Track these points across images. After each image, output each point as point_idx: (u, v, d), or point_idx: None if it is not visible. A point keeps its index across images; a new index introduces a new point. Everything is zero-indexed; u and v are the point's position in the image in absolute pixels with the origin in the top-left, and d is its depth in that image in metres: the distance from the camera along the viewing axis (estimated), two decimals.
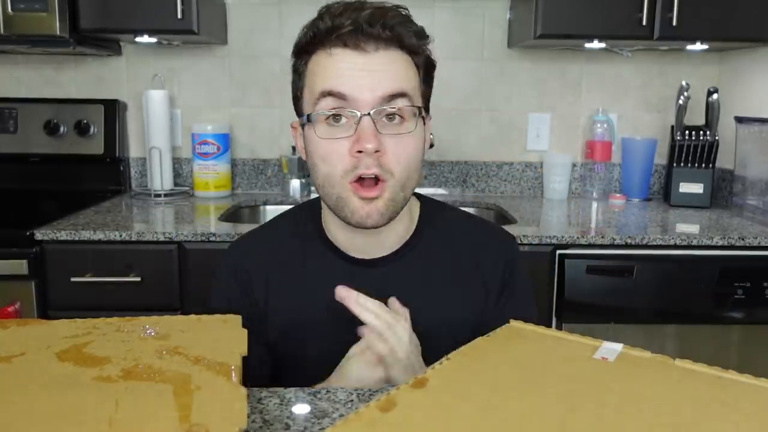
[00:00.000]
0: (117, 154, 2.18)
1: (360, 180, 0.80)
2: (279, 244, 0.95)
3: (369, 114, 0.78)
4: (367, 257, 0.90)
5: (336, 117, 0.80)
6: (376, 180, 0.80)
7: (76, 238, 1.61)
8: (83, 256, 1.62)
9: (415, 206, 0.94)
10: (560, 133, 2.30)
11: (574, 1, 1.86)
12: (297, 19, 2.20)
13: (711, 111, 2.04)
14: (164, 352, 0.59)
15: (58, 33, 1.79)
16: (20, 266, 1.60)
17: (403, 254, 0.90)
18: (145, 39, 2.00)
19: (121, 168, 2.21)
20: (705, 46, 2.07)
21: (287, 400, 0.66)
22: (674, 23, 1.83)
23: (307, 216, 0.96)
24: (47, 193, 2.15)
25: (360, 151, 0.78)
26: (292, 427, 0.61)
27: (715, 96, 2.03)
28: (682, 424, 0.53)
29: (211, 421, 0.47)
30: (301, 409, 0.65)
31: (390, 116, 0.80)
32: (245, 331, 0.64)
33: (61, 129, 2.13)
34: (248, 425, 0.55)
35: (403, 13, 0.82)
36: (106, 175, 2.19)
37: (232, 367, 0.56)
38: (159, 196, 2.10)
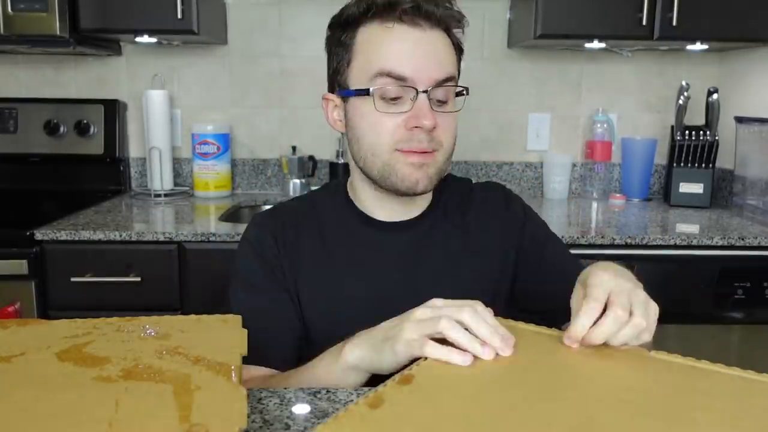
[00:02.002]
0: (117, 154, 2.18)
1: (408, 151, 0.84)
2: (306, 213, 0.96)
3: (426, 92, 0.82)
4: (394, 221, 0.94)
5: (393, 98, 0.83)
6: (427, 151, 0.85)
7: (76, 238, 1.61)
8: (83, 256, 1.62)
9: None
10: (560, 133, 2.30)
11: (574, 1, 1.86)
12: (297, 19, 2.20)
13: (711, 111, 2.04)
14: (164, 352, 0.59)
15: (58, 33, 1.79)
16: (20, 266, 1.60)
17: (426, 216, 0.95)
18: (145, 39, 2.00)
19: (121, 168, 2.21)
20: (705, 46, 2.07)
21: (287, 400, 0.66)
22: (674, 23, 1.83)
23: (332, 189, 1.00)
24: (47, 193, 2.15)
25: (416, 127, 0.83)
26: (292, 427, 0.61)
27: (715, 96, 2.03)
28: (662, 412, 0.54)
29: (211, 421, 0.47)
30: (301, 409, 0.65)
31: (439, 100, 0.85)
32: (245, 331, 0.64)
33: (61, 129, 2.13)
34: (248, 425, 0.55)
35: (458, 9, 0.87)
36: (106, 175, 2.19)
37: (232, 367, 0.56)
38: (159, 196, 2.10)
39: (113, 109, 2.17)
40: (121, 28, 1.89)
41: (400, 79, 0.82)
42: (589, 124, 2.28)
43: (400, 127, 0.83)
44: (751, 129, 1.98)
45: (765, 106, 2.00)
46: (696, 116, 2.10)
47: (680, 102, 2.04)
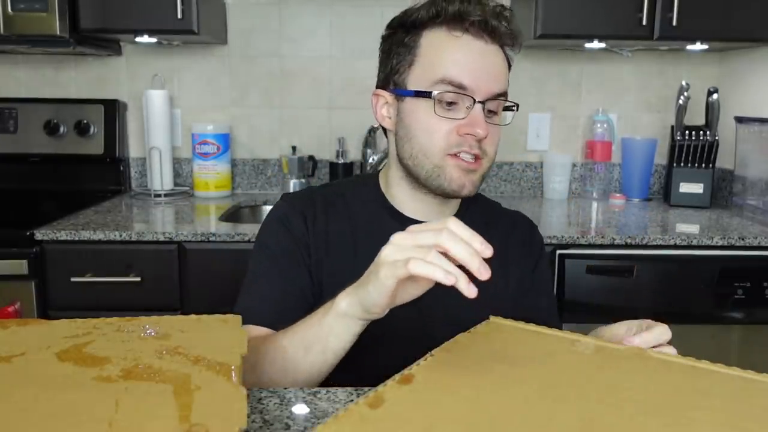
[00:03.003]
0: (117, 154, 2.18)
1: (458, 156, 0.87)
2: (335, 201, 0.97)
3: (483, 102, 0.87)
4: (423, 220, 0.94)
5: (449, 103, 0.87)
6: (475, 158, 0.88)
7: (76, 238, 1.61)
8: (83, 256, 1.62)
9: None
10: (560, 133, 2.30)
11: (574, 1, 1.86)
12: (297, 19, 2.20)
13: (711, 111, 2.04)
14: (164, 352, 0.59)
15: (58, 33, 1.79)
16: (20, 266, 1.60)
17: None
18: (145, 39, 2.00)
19: (121, 168, 2.21)
20: (705, 46, 2.07)
21: (287, 400, 0.66)
22: (674, 23, 1.83)
23: (362, 181, 1.02)
24: (47, 193, 2.15)
25: (469, 134, 0.86)
26: (292, 427, 0.61)
27: (715, 96, 2.03)
28: (661, 411, 0.55)
29: (211, 421, 0.47)
30: (301, 409, 0.65)
31: (490, 110, 0.89)
32: (245, 331, 0.64)
33: (61, 129, 2.13)
34: (248, 425, 0.55)
35: (513, 17, 0.93)
36: (106, 175, 2.19)
37: (232, 367, 0.56)
38: (159, 196, 2.10)
39: (113, 109, 2.17)
40: (121, 28, 1.89)
41: (460, 87, 0.85)
42: (589, 124, 2.28)
43: (452, 132, 0.87)
44: (751, 129, 1.98)
45: (765, 106, 2.00)
46: (696, 116, 2.10)
47: (680, 102, 2.04)
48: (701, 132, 2.07)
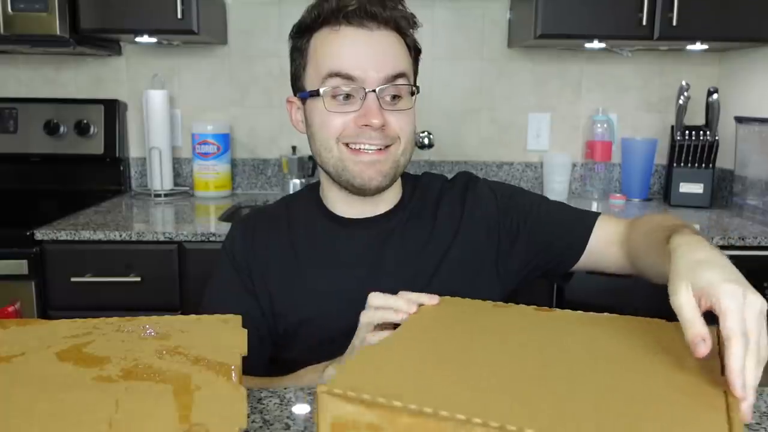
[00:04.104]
0: (117, 154, 2.18)
1: (360, 150, 0.87)
2: (279, 215, 1.00)
3: (374, 91, 0.85)
4: (359, 218, 0.96)
5: (344, 97, 0.86)
6: (382, 147, 0.87)
7: (76, 238, 1.61)
8: (83, 256, 1.62)
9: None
10: (560, 133, 2.30)
11: (574, 1, 1.86)
12: (297, 19, 2.20)
13: (711, 111, 2.04)
14: (164, 352, 0.59)
15: (58, 33, 1.79)
16: (20, 266, 1.60)
17: (394, 212, 0.97)
18: (145, 39, 2.00)
19: (121, 168, 2.21)
20: (705, 46, 2.07)
21: (287, 400, 0.66)
22: (674, 23, 1.83)
23: (308, 190, 1.03)
24: (47, 193, 2.15)
25: (366, 125, 0.85)
26: (292, 427, 0.61)
27: (715, 96, 2.03)
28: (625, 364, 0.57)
29: (211, 421, 0.47)
30: (301, 409, 0.65)
31: (391, 95, 0.87)
32: (245, 331, 0.64)
33: (61, 129, 2.13)
34: (248, 425, 0.55)
35: (402, 6, 0.89)
36: (106, 175, 2.19)
37: (232, 367, 0.56)
38: (159, 196, 2.10)
39: (113, 109, 2.17)
40: (121, 28, 1.89)
41: (348, 78, 0.85)
42: (589, 124, 2.28)
43: (349, 125, 0.86)
44: (751, 129, 1.98)
45: (765, 106, 2.00)
46: (696, 116, 2.10)
47: (680, 102, 2.04)
48: (701, 132, 2.07)
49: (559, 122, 2.29)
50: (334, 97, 0.87)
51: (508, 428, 0.44)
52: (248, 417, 0.55)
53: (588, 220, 0.97)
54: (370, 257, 0.93)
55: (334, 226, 0.96)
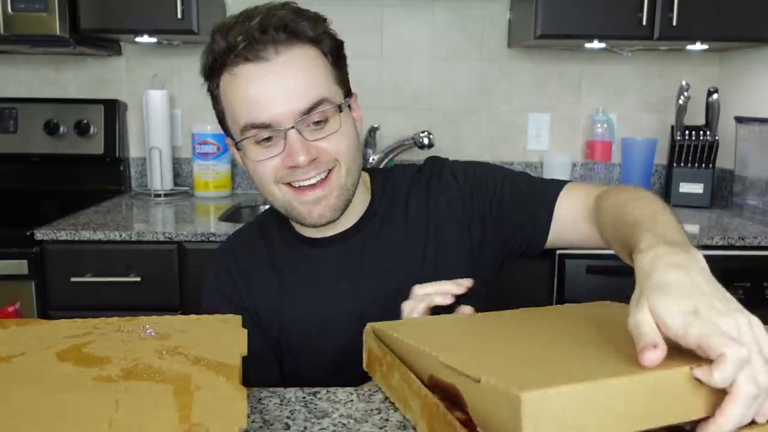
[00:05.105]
0: (117, 154, 2.18)
1: (301, 188, 0.83)
2: (257, 242, 0.97)
3: (293, 128, 0.79)
4: (328, 235, 0.92)
5: (265, 140, 0.81)
6: (322, 179, 0.82)
7: (76, 238, 1.61)
8: (83, 256, 1.62)
9: (365, 177, 0.96)
10: (560, 133, 2.30)
11: (574, 1, 1.86)
12: None
13: (711, 111, 2.04)
14: (164, 352, 0.59)
15: (58, 33, 1.79)
16: (20, 266, 1.60)
17: (366, 222, 0.93)
18: (145, 39, 2.00)
19: (121, 168, 2.21)
20: (705, 46, 2.07)
21: (287, 400, 0.66)
22: (674, 23, 1.83)
23: (273, 218, 0.98)
24: (47, 193, 2.15)
25: (293, 166, 0.80)
26: (292, 427, 0.61)
27: (715, 96, 2.03)
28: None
29: (211, 421, 0.47)
30: (301, 409, 0.65)
31: (315, 122, 0.81)
32: (245, 331, 0.64)
33: (61, 129, 2.13)
34: (248, 425, 0.55)
35: (293, 7, 0.81)
36: (106, 175, 2.19)
37: (232, 367, 0.56)
38: (159, 196, 2.10)
39: (113, 109, 2.17)
40: (121, 28, 1.89)
41: (263, 126, 0.79)
42: (589, 124, 2.28)
43: (279, 167, 0.81)
44: (751, 129, 1.98)
45: (765, 106, 2.00)
46: (696, 116, 2.10)
47: (680, 102, 2.04)
48: (701, 132, 2.07)
49: (559, 122, 2.29)
50: (257, 143, 0.81)
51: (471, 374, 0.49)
52: (248, 417, 0.55)
53: (550, 195, 0.89)
54: (349, 271, 0.91)
55: (308, 248, 0.93)
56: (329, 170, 0.83)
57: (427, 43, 2.23)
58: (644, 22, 1.84)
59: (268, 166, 0.82)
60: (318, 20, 0.82)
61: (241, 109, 0.80)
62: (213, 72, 0.82)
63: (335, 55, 0.85)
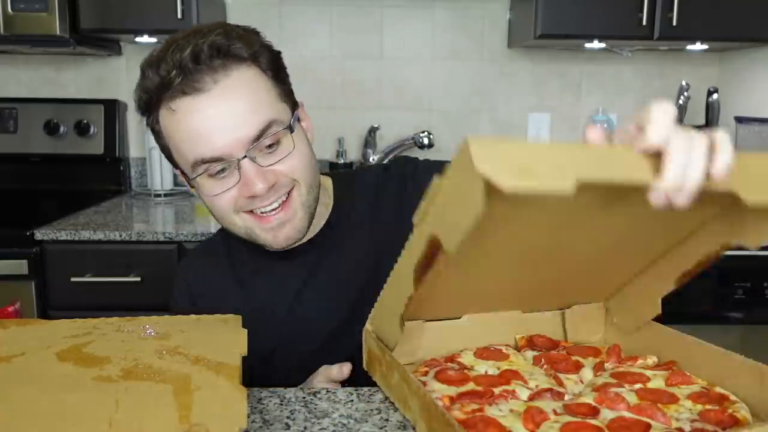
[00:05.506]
0: (117, 154, 2.18)
1: (262, 216, 0.80)
2: (220, 251, 0.96)
3: (246, 156, 0.75)
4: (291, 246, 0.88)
5: (219, 171, 0.77)
6: (282, 202, 0.80)
7: (76, 238, 1.61)
8: (83, 256, 1.62)
9: (327, 183, 0.94)
10: (560, 133, 2.30)
11: (574, 1, 1.86)
12: (297, 19, 2.20)
13: (711, 111, 2.04)
14: (164, 352, 0.59)
15: (58, 33, 1.79)
16: (20, 266, 1.60)
17: (328, 231, 0.90)
18: (145, 39, 2.00)
19: (121, 168, 2.21)
20: (705, 46, 2.07)
21: (287, 400, 0.66)
22: (674, 23, 1.83)
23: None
24: (47, 193, 2.15)
25: (252, 196, 0.77)
26: (292, 427, 0.61)
27: (715, 96, 2.03)
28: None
29: (211, 421, 0.47)
30: (301, 409, 0.65)
31: (267, 146, 0.77)
32: (245, 331, 0.64)
33: (61, 129, 2.13)
34: (248, 425, 0.55)
35: (221, 28, 0.77)
36: (106, 175, 2.19)
37: (233, 367, 0.56)
38: (159, 196, 2.10)
39: (113, 109, 2.17)
40: (121, 28, 1.89)
41: (213, 160, 0.75)
42: (589, 124, 2.28)
43: (238, 197, 0.78)
44: (751, 129, 1.98)
45: (765, 106, 2.00)
46: (696, 116, 2.10)
47: (680, 102, 2.04)
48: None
49: (559, 122, 2.29)
50: (210, 176, 0.77)
51: None
52: (248, 417, 0.55)
53: None
54: (314, 280, 0.89)
55: (271, 259, 0.90)
56: (289, 191, 0.80)
57: (427, 44, 2.23)
58: (644, 22, 1.84)
59: (225, 198, 0.78)
60: (250, 36, 0.80)
61: (188, 145, 0.76)
62: (150, 107, 0.78)
63: (275, 69, 0.82)
